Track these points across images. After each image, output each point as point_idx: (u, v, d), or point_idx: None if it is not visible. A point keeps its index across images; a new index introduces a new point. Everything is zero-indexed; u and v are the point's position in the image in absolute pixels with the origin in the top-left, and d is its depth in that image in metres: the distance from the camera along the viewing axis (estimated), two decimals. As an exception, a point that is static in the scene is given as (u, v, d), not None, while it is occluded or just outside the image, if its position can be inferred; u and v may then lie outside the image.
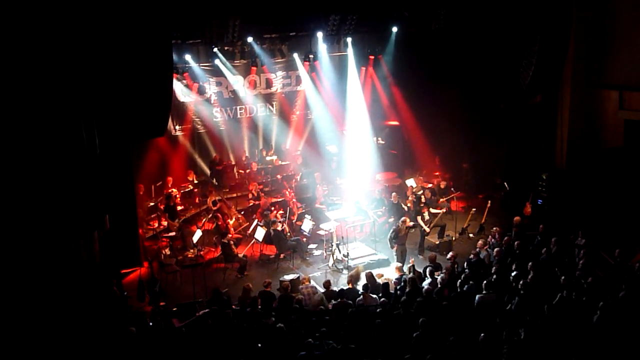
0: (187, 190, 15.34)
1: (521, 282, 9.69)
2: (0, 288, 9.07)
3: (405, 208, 14.51)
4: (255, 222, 13.86)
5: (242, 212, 14.98)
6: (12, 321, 9.12)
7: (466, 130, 16.14)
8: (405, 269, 11.56)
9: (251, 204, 15.09)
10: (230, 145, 17.36)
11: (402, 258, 12.42)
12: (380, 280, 11.03)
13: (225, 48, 15.28)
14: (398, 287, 10.42)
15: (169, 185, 15.08)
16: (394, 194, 14.73)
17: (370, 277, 10.84)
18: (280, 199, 15.12)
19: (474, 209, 14.29)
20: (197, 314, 10.65)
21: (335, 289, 10.50)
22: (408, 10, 14.33)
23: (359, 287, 10.51)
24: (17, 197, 8.92)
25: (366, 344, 7.99)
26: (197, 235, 13.14)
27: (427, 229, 13.39)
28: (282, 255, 13.24)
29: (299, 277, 11.59)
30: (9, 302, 9.14)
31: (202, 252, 13.31)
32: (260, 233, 13.23)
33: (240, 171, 16.66)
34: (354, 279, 11.09)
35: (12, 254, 9.02)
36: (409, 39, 16.01)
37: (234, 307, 10.13)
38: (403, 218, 12.84)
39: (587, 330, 8.12)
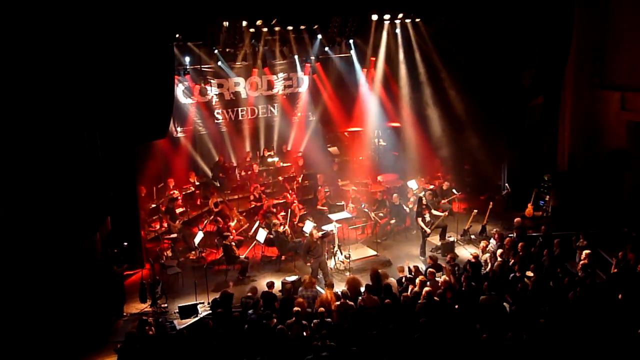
0: (188, 191, 15.35)
1: (523, 283, 9.66)
2: (2, 287, 9.10)
3: (407, 209, 14.52)
4: (257, 223, 13.86)
5: (244, 214, 14.97)
6: (14, 319, 9.15)
7: (468, 131, 16.12)
8: (406, 270, 11.50)
9: (253, 205, 15.09)
10: (231, 147, 17.35)
11: (315, 273, 11.78)
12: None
13: (227, 50, 15.29)
14: (400, 288, 10.40)
15: (171, 187, 15.08)
16: (395, 195, 14.72)
17: (374, 277, 10.64)
18: (282, 201, 15.11)
19: (475, 210, 14.25)
20: (199, 315, 10.68)
21: (338, 290, 10.47)
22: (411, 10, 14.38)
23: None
24: (18, 198, 8.95)
25: (368, 346, 7.98)
26: (199, 237, 13.15)
27: (428, 230, 13.37)
28: (283, 257, 13.24)
29: (300, 279, 11.57)
30: (10, 301, 9.16)
31: (203, 254, 13.33)
32: (261, 235, 13.23)
33: (242, 173, 16.65)
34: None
35: (13, 254, 9.04)
36: (410, 41, 16.01)
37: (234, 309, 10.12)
38: (310, 231, 12.28)
39: (588, 330, 8.10)
